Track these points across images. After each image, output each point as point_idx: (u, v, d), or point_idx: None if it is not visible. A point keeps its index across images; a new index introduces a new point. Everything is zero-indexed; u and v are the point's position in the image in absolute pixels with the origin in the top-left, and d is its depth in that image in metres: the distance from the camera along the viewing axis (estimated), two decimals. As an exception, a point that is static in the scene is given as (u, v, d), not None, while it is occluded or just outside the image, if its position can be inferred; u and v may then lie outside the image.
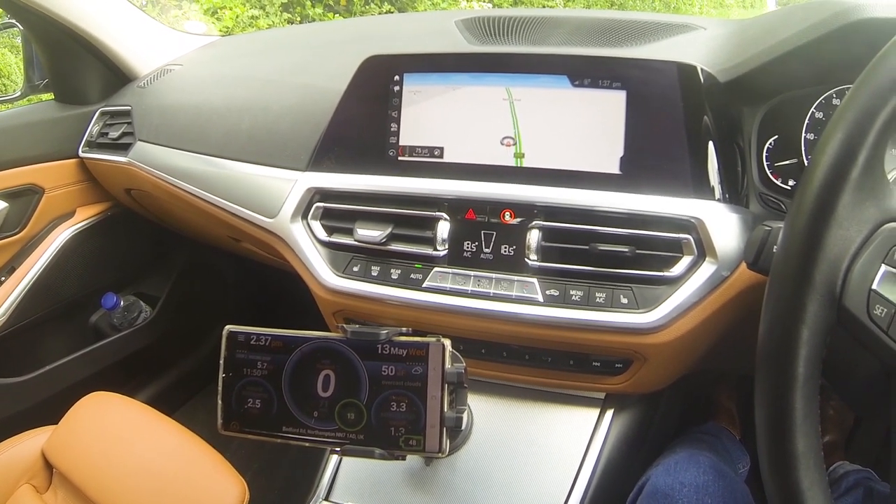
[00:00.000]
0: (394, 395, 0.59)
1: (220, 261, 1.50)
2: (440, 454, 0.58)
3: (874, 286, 0.42)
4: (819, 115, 0.75)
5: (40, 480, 0.82)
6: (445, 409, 0.58)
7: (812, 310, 0.43)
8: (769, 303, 0.46)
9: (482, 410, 0.75)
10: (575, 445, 0.73)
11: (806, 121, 0.73)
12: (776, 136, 0.73)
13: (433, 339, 0.59)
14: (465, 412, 0.72)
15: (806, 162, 0.75)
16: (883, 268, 0.42)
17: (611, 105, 0.69)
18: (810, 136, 0.74)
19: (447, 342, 0.59)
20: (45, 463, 0.82)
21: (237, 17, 4.10)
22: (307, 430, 0.61)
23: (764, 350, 0.45)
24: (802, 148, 0.72)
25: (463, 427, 0.60)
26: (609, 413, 0.75)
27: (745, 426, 1.09)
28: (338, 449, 0.60)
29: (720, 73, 0.71)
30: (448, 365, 0.58)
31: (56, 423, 0.85)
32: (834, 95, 0.75)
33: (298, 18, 4.27)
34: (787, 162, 0.73)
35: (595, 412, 0.75)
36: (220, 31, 3.94)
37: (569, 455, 0.72)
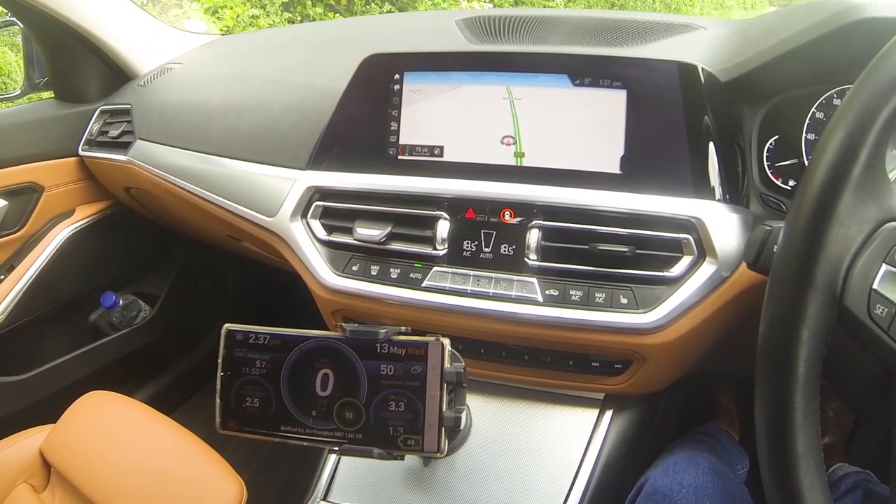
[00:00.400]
0: (392, 394, 0.59)
1: (220, 260, 1.50)
2: (439, 454, 0.58)
3: (875, 286, 0.42)
4: (820, 115, 0.74)
5: (38, 480, 0.81)
6: (444, 409, 0.58)
7: (812, 309, 0.42)
8: (769, 302, 0.45)
9: (481, 410, 0.75)
10: (574, 446, 0.72)
11: (807, 121, 0.72)
12: (777, 136, 0.73)
13: (432, 339, 0.58)
14: (464, 412, 0.72)
15: (806, 162, 0.74)
16: (884, 267, 0.42)
17: (611, 104, 0.69)
18: (811, 137, 0.74)
19: (446, 341, 0.58)
20: (42, 462, 0.82)
21: (238, 16, 4.09)
22: (305, 430, 0.60)
23: (764, 350, 0.45)
24: (803, 148, 0.72)
25: (461, 427, 0.60)
26: (608, 413, 0.75)
27: (745, 427, 1.09)
28: (336, 448, 0.59)
29: (721, 73, 0.71)
30: (447, 364, 0.58)
31: (55, 421, 0.84)
32: (835, 95, 0.75)
33: (299, 18, 4.27)
34: (787, 162, 0.73)
35: (594, 412, 0.75)
36: (221, 30, 3.94)
37: (568, 455, 0.72)
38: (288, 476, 1.29)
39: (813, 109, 0.74)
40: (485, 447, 0.73)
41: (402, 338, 0.59)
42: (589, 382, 0.73)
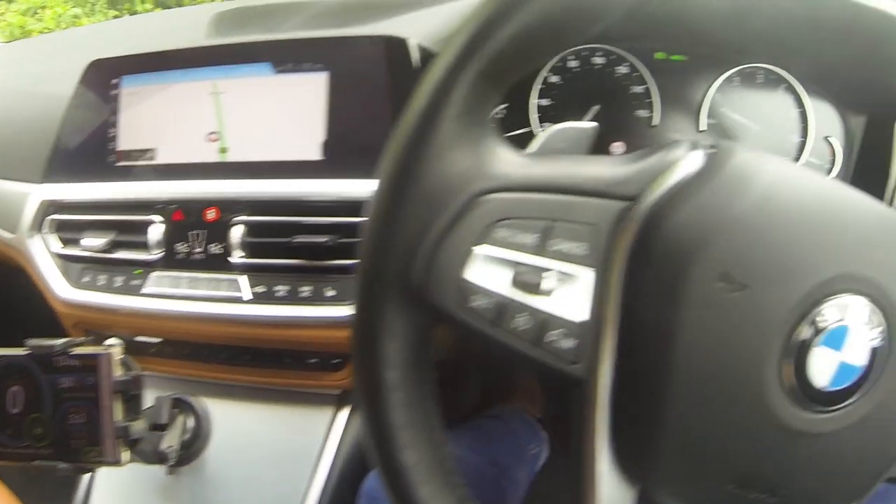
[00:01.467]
0: (72, 407, 0.59)
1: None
2: (117, 464, 0.58)
3: (464, 275, 0.35)
4: (555, 78, 0.71)
5: None
6: (118, 419, 0.58)
7: (389, 309, 0.36)
8: (354, 304, 0.41)
9: (219, 414, 0.73)
10: (311, 443, 0.70)
11: (539, 85, 0.70)
12: (507, 105, 0.70)
13: (102, 349, 0.58)
14: (199, 415, 0.71)
15: (536, 131, 0.71)
16: (474, 251, 0.35)
17: (312, 88, 0.66)
18: (544, 102, 0.71)
19: (116, 350, 0.58)
20: None
21: (59, 16, 3.81)
22: (2, 449, 0.60)
23: (353, 357, 0.38)
24: (534, 115, 0.69)
25: (136, 436, 0.59)
26: (346, 410, 0.71)
27: (549, 403, 1.03)
28: (31, 465, 0.59)
29: (439, 44, 0.68)
30: (118, 373, 0.58)
31: None
32: (570, 57, 0.72)
33: (127, 14, 3.87)
34: (519, 132, 0.70)
35: (330, 410, 0.72)
36: (40, 32, 3.55)
37: (305, 454, 0.70)
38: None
39: (546, 73, 0.71)
40: (226, 451, 0.71)
41: (78, 350, 0.59)
42: (313, 380, 0.70)
